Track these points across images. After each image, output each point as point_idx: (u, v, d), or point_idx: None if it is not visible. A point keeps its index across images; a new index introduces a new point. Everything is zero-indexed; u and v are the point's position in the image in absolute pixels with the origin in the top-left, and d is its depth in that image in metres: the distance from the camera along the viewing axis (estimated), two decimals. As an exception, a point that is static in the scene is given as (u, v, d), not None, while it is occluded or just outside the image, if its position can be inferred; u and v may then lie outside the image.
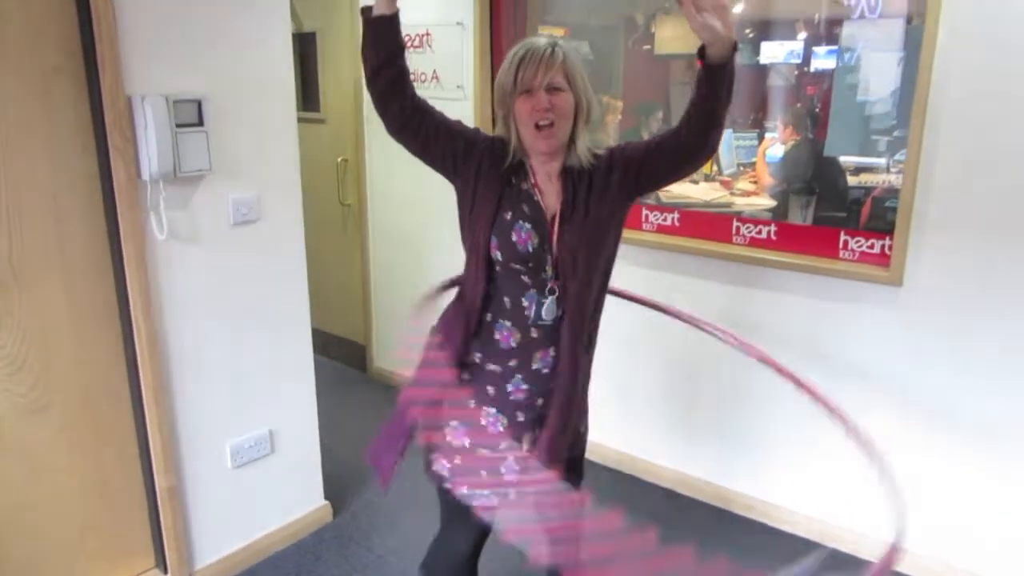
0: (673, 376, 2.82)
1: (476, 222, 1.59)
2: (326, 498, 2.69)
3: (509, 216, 1.58)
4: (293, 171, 2.35)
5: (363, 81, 3.62)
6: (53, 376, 1.93)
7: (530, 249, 1.57)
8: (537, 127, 1.53)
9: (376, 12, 1.50)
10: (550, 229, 1.58)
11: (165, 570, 2.24)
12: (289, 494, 2.55)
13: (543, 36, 1.60)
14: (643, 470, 2.95)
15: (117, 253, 1.97)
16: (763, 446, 2.64)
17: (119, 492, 2.13)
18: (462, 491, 1.66)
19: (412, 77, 1.62)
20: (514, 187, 1.60)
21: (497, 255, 1.58)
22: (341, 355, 4.11)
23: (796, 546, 2.54)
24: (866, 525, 2.46)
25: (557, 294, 1.60)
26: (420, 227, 3.44)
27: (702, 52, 1.43)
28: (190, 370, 2.17)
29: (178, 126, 1.96)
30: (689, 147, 1.55)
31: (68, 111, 1.85)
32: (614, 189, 1.60)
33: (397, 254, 3.64)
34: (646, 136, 2.95)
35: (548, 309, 1.61)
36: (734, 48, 1.41)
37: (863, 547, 2.47)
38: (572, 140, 1.58)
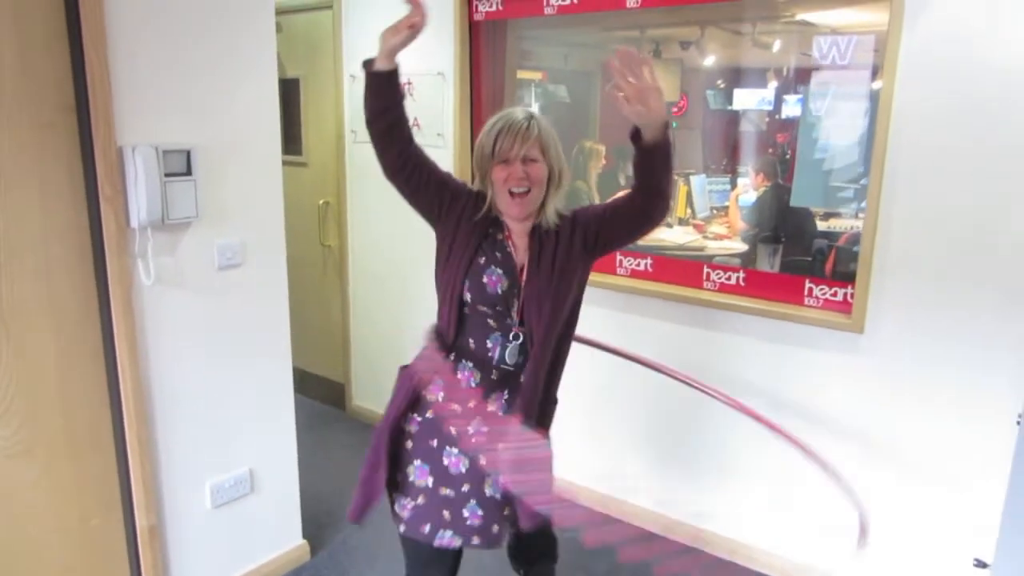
0: (651, 418, 2.89)
1: (452, 265, 1.70)
2: (304, 537, 2.71)
3: (483, 261, 1.68)
4: (277, 216, 2.41)
5: (344, 126, 3.70)
6: (38, 419, 1.96)
7: (499, 291, 1.67)
8: (511, 194, 1.65)
9: (377, 67, 1.59)
10: (519, 276, 1.69)
11: (143, 611, 2.25)
12: (268, 533, 2.57)
13: (520, 108, 1.71)
14: (620, 511, 3.00)
15: (104, 298, 2.01)
16: (740, 488, 2.70)
17: (100, 532, 2.15)
18: (424, 530, 1.71)
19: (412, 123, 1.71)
20: (490, 236, 1.71)
21: (467, 297, 1.69)
22: (320, 393, 4.14)
23: (766, 585, 2.59)
24: (836, 566, 2.52)
25: (521, 340, 1.69)
26: (399, 268, 3.51)
27: (636, 134, 1.55)
28: (173, 411, 2.20)
29: (167, 175, 2.02)
30: (642, 215, 1.69)
31: (60, 162, 1.91)
32: (576, 250, 1.72)
33: (377, 294, 3.69)
34: (623, 180, 3.06)
35: (511, 352, 1.70)
36: (666, 127, 1.53)
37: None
38: (543, 204, 1.71)
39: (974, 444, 2.20)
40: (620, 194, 1.75)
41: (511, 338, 1.69)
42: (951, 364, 2.20)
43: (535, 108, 3.16)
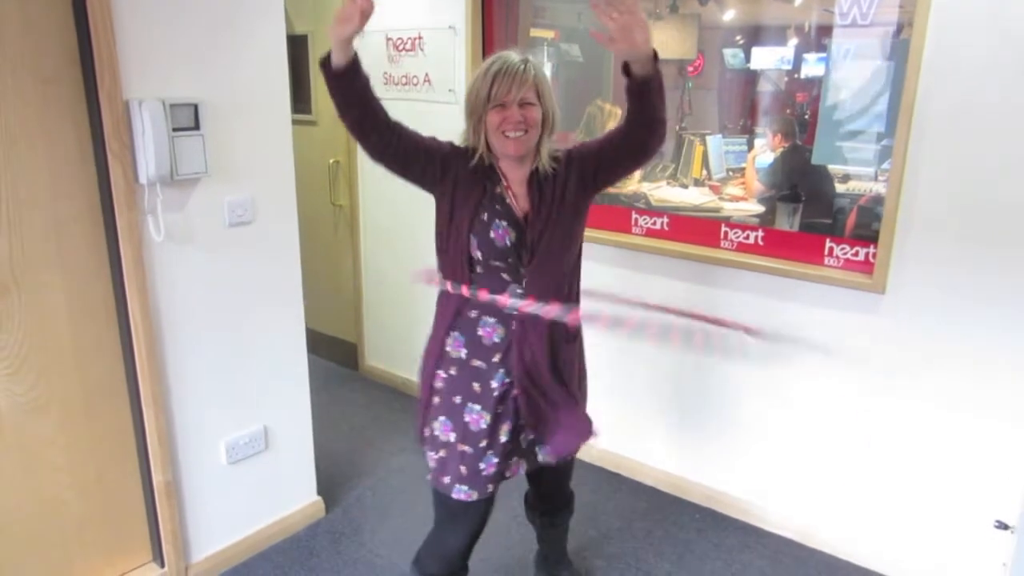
0: (660, 375, 2.87)
1: (455, 225, 1.69)
2: (319, 494, 2.73)
3: (486, 217, 1.67)
4: (287, 173, 2.38)
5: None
6: (52, 375, 1.97)
7: (508, 244, 1.66)
8: (506, 135, 1.63)
9: (336, 65, 1.51)
10: (524, 226, 1.68)
11: (162, 564, 2.28)
12: (283, 490, 2.60)
13: (515, 51, 1.68)
14: (629, 469, 3.01)
15: (115, 255, 2.00)
16: (750, 446, 2.70)
17: (116, 488, 2.17)
18: (444, 480, 1.76)
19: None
20: (488, 191, 1.69)
21: (477, 254, 1.68)
22: (333, 354, 4.15)
23: (780, 546, 2.60)
24: (850, 528, 2.52)
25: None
26: (411, 227, 3.48)
27: (627, 68, 1.52)
28: (186, 369, 2.20)
29: (175, 130, 1.99)
30: (640, 146, 1.66)
31: (66, 117, 1.88)
32: (573, 188, 1.71)
33: (388, 254, 3.67)
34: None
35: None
36: (655, 59, 1.50)
37: (848, 550, 2.53)
38: (538, 147, 1.69)
39: (996, 405, 2.17)
40: (612, 127, 1.71)
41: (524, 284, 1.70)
42: (974, 324, 2.16)
43: (547, 67, 3.10)
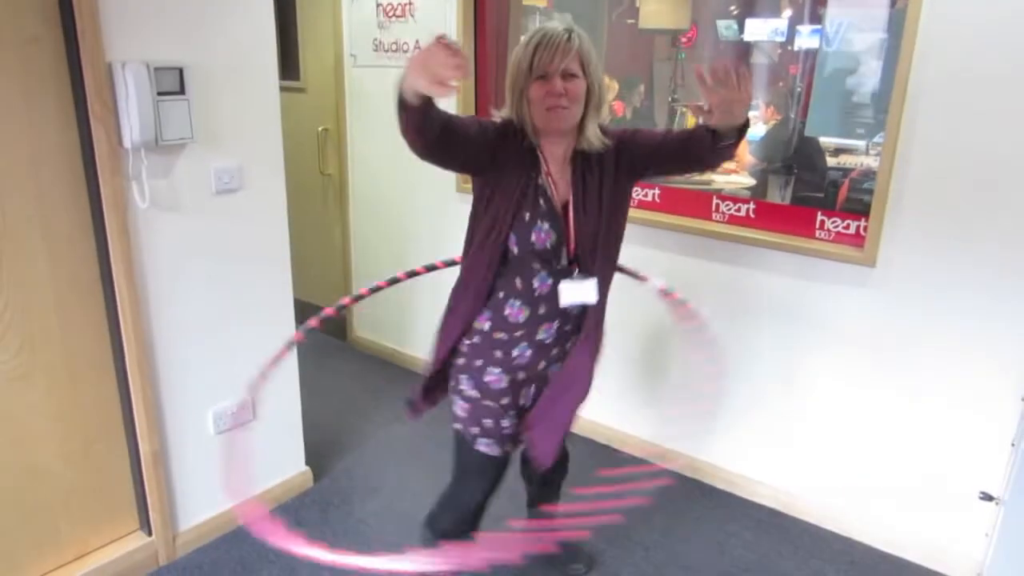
0: (646, 346, 2.88)
1: (495, 219, 1.64)
2: (307, 464, 2.73)
3: (528, 216, 1.63)
4: (275, 140, 2.34)
5: (344, 50, 3.57)
6: (37, 343, 1.94)
7: (548, 247, 1.64)
8: (549, 109, 1.58)
9: (414, 103, 1.36)
10: (565, 223, 1.65)
11: (149, 532, 2.28)
12: (271, 460, 2.59)
13: (558, 21, 1.62)
14: (616, 440, 3.03)
15: (99, 221, 1.97)
16: (734, 418, 2.71)
17: (103, 457, 2.16)
18: (473, 431, 1.77)
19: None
20: (531, 183, 1.64)
21: (514, 249, 1.65)
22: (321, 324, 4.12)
23: (763, 516, 2.62)
24: (836, 499, 2.55)
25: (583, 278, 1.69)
26: (400, 196, 3.44)
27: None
28: (173, 337, 2.18)
29: (159, 94, 1.95)
30: (699, 162, 1.70)
31: (47, 80, 1.83)
32: (623, 177, 1.69)
33: (377, 224, 3.64)
34: (630, 112, 2.97)
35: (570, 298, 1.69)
36: (745, 126, 1.52)
37: (833, 520, 2.56)
38: (582, 125, 1.64)
39: (983, 378, 2.18)
40: (660, 129, 1.69)
41: (573, 277, 1.68)
42: (963, 298, 2.17)
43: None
